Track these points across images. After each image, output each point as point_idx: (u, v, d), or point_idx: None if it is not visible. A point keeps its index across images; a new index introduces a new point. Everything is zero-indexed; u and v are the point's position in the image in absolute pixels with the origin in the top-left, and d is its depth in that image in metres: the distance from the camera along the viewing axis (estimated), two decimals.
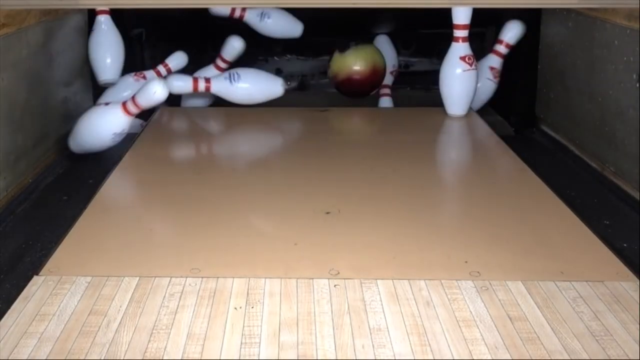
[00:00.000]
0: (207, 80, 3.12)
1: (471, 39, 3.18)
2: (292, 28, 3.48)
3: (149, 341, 2.09)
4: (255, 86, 3.17)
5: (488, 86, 3.36)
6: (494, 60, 3.36)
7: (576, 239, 2.11)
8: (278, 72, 3.87)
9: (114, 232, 2.14)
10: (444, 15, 3.16)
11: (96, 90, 3.31)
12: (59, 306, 1.90)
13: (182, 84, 3.07)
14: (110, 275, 1.98)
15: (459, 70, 3.18)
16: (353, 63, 3.43)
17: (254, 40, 3.81)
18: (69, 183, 2.57)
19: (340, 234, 2.12)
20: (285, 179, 2.45)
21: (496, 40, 3.37)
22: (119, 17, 3.56)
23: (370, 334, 2.04)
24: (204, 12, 3.45)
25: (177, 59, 3.38)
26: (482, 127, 3.09)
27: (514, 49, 3.34)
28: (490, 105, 3.61)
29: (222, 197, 2.29)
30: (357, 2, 2.41)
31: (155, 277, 1.99)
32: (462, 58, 3.17)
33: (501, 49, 3.35)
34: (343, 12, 2.65)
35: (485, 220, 2.11)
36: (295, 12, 3.43)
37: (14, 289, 1.99)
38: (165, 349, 2.05)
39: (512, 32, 3.35)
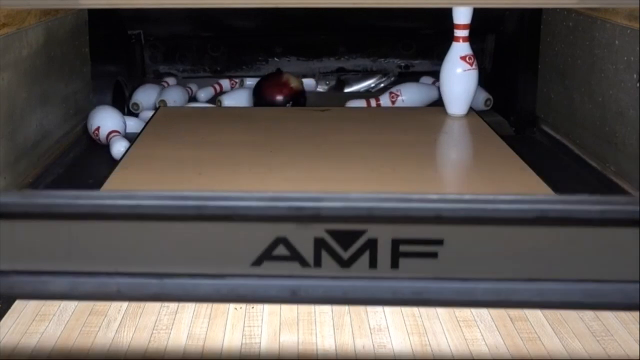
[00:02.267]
0: None
1: (472, 39, 3.18)
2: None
3: (149, 341, 2.08)
4: None
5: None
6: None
7: None
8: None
9: None
10: (445, 15, 3.15)
11: (96, 90, 3.31)
12: (59, 306, 1.90)
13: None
14: None
15: (459, 70, 3.18)
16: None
17: (254, 40, 3.81)
18: (69, 183, 2.57)
19: None
20: (285, 178, 2.45)
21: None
22: (118, 17, 3.57)
23: (371, 334, 2.04)
24: (203, 12, 3.45)
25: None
26: (482, 127, 3.09)
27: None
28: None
29: None
30: (357, 2, 2.41)
31: None
32: (463, 58, 3.17)
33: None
34: (344, 12, 2.65)
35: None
36: (296, 11, 3.43)
37: None
38: (165, 349, 2.05)
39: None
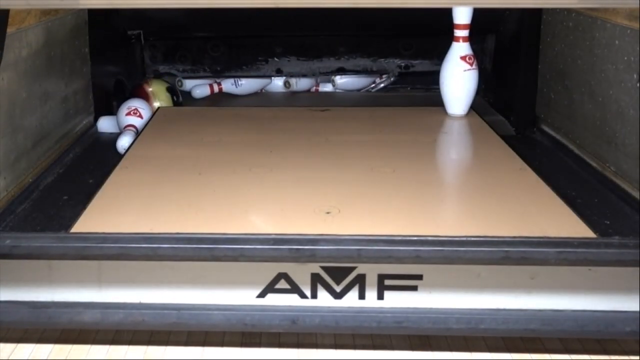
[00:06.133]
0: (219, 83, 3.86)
1: (472, 39, 3.18)
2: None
3: (149, 341, 2.09)
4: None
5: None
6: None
7: None
8: (278, 73, 3.87)
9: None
10: (444, 15, 3.15)
11: (96, 90, 3.31)
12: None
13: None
14: None
15: (459, 70, 3.18)
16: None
17: (254, 40, 3.81)
18: (69, 183, 2.57)
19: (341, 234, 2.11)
20: (285, 178, 2.45)
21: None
22: (118, 17, 3.57)
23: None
24: (203, 12, 3.45)
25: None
26: (482, 127, 3.09)
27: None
28: (490, 105, 3.61)
29: (223, 197, 2.29)
30: (357, 2, 2.41)
31: None
32: (463, 58, 3.17)
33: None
34: (344, 12, 2.65)
35: (485, 220, 2.11)
36: (296, 11, 3.42)
37: None
38: (165, 349, 2.05)
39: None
